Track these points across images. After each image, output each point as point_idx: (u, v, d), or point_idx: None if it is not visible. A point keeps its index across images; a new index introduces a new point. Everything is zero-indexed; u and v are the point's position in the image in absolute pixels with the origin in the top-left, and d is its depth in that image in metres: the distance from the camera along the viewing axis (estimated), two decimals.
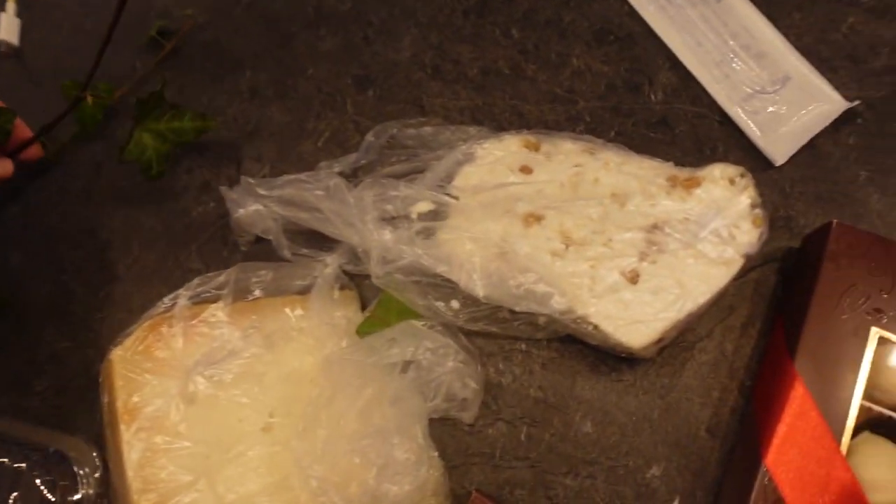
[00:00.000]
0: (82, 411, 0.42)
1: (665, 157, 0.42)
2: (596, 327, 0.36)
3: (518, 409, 0.40)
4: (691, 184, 0.36)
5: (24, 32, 0.53)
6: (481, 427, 0.40)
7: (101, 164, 0.49)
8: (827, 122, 0.42)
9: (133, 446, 0.37)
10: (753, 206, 0.35)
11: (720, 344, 0.39)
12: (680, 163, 0.42)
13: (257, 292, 0.42)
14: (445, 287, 0.40)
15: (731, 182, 0.36)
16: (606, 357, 0.40)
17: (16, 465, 0.41)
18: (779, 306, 0.39)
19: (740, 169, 0.37)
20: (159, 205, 0.47)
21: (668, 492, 0.38)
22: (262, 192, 0.42)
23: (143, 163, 0.45)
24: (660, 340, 0.36)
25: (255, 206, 0.42)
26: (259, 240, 0.44)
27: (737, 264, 0.35)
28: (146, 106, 0.44)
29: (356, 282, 0.43)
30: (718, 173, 0.37)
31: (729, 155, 0.42)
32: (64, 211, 0.48)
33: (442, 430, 0.40)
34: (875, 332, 0.35)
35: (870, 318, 0.35)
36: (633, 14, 0.46)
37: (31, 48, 0.53)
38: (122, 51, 0.50)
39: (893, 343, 0.35)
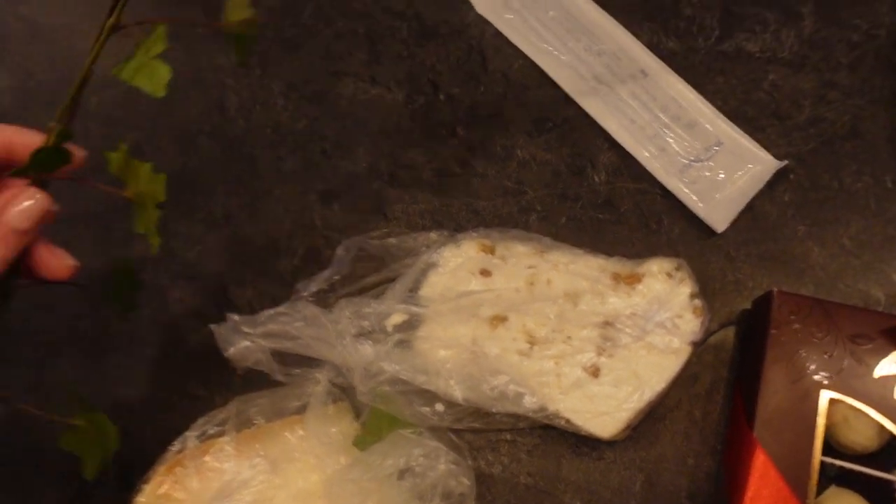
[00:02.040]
0: None
1: (613, 236, 0.45)
2: (568, 421, 0.39)
3: (511, 498, 0.43)
4: (633, 280, 0.39)
5: None
6: None
7: None
8: (762, 184, 0.44)
9: None
10: (692, 296, 0.38)
11: (689, 412, 0.42)
12: (628, 240, 0.45)
13: (258, 420, 0.46)
14: (428, 392, 0.43)
15: (669, 275, 0.39)
16: (586, 438, 0.43)
17: None
18: (737, 372, 0.42)
19: (676, 262, 0.39)
20: (158, 335, 0.50)
21: None
22: (247, 329, 0.45)
23: None
24: (627, 427, 0.39)
25: (243, 342, 0.45)
26: None
27: (685, 352, 0.38)
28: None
29: (348, 392, 0.47)
30: (656, 268, 0.39)
31: (674, 227, 0.45)
32: None
33: None
34: (825, 395, 0.37)
35: (818, 379, 0.38)
36: (568, 99, 0.49)
37: None
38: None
39: (843, 402, 0.37)
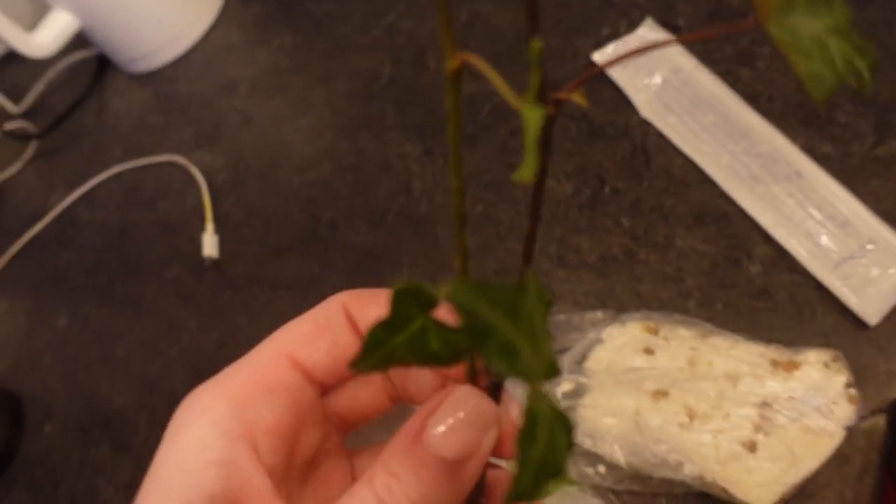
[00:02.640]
0: None
1: (768, 323, 0.49)
2: (724, 490, 0.43)
3: None
4: (791, 367, 0.43)
5: (220, 246, 0.67)
6: None
7: None
8: None
9: None
10: (848, 385, 0.42)
11: (839, 492, 0.45)
12: (782, 327, 0.49)
13: None
14: (591, 454, 0.49)
15: (826, 365, 0.43)
16: None
17: None
18: (889, 457, 0.45)
19: (833, 353, 0.43)
20: None
21: None
22: None
23: None
24: (780, 500, 0.42)
25: None
26: None
27: (839, 436, 0.41)
28: None
29: None
30: (814, 358, 0.43)
31: (827, 318, 0.49)
32: None
33: None
34: None
35: None
36: (725, 196, 0.54)
37: (229, 260, 0.66)
38: None
39: None
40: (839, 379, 0.42)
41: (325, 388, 0.25)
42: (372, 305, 0.24)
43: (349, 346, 0.24)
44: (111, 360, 0.66)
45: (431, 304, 0.19)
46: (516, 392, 0.46)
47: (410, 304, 0.19)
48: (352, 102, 0.71)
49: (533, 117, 0.16)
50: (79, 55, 0.85)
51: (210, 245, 0.66)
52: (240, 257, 0.66)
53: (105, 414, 0.63)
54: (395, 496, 0.19)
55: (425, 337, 0.19)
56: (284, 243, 0.65)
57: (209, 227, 0.67)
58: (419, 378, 0.26)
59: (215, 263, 0.66)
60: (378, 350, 0.19)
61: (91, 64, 0.84)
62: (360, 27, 0.74)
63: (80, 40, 0.82)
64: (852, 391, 0.42)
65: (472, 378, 0.22)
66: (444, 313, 0.20)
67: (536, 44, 0.16)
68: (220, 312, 0.64)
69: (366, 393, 0.27)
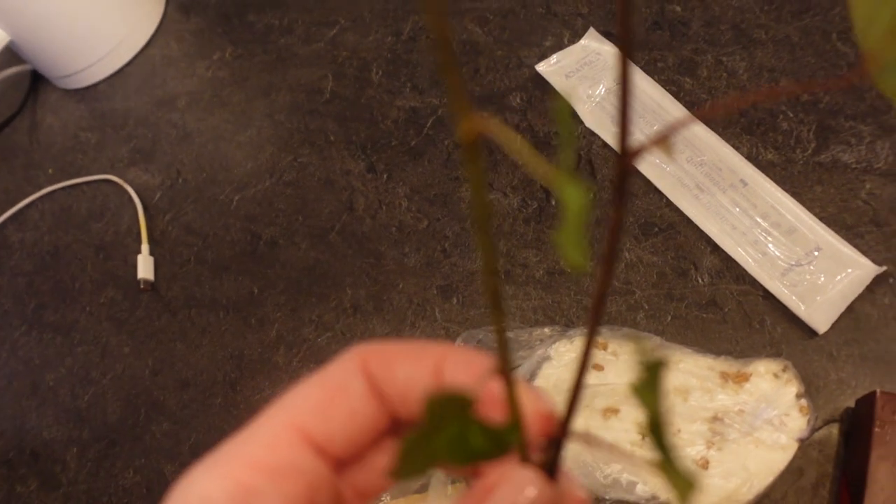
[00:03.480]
0: None
1: (718, 334, 0.48)
2: None
3: None
4: (741, 379, 0.42)
5: (156, 268, 0.64)
6: None
7: None
8: (862, 288, 0.47)
9: None
10: (799, 396, 0.41)
11: None
12: (731, 338, 0.48)
13: (383, 498, 0.50)
14: None
15: (776, 376, 0.42)
16: None
17: None
18: (843, 468, 0.44)
19: (783, 363, 0.42)
20: None
21: None
22: None
23: None
24: None
25: None
26: None
27: (792, 448, 0.40)
28: None
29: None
30: (763, 369, 0.42)
31: (776, 327, 0.48)
32: None
33: None
34: None
35: None
36: (671, 206, 0.53)
37: (164, 282, 0.64)
38: None
39: None
40: (789, 389, 0.41)
41: (341, 463, 0.22)
42: (398, 362, 0.21)
43: (369, 416, 0.21)
44: (39, 390, 0.62)
45: (469, 405, 0.17)
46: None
47: (446, 410, 0.17)
48: (293, 117, 0.69)
49: (575, 197, 0.13)
50: (10, 71, 0.82)
51: (145, 267, 0.64)
52: (176, 279, 0.63)
53: (32, 447, 0.60)
54: None
55: (467, 439, 0.18)
56: (223, 262, 0.63)
57: (144, 248, 0.64)
58: None
59: (151, 286, 0.64)
60: (415, 456, 0.17)
61: (23, 79, 0.81)
62: (302, 39, 0.72)
63: (11, 55, 0.79)
64: (803, 402, 0.41)
65: (523, 454, 0.20)
66: (487, 408, 0.19)
67: (565, 114, 0.14)
68: (156, 337, 0.61)
69: (383, 461, 0.23)
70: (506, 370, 0.19)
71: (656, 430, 0.16)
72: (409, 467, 0.17)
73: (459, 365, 0.21)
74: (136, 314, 0.63)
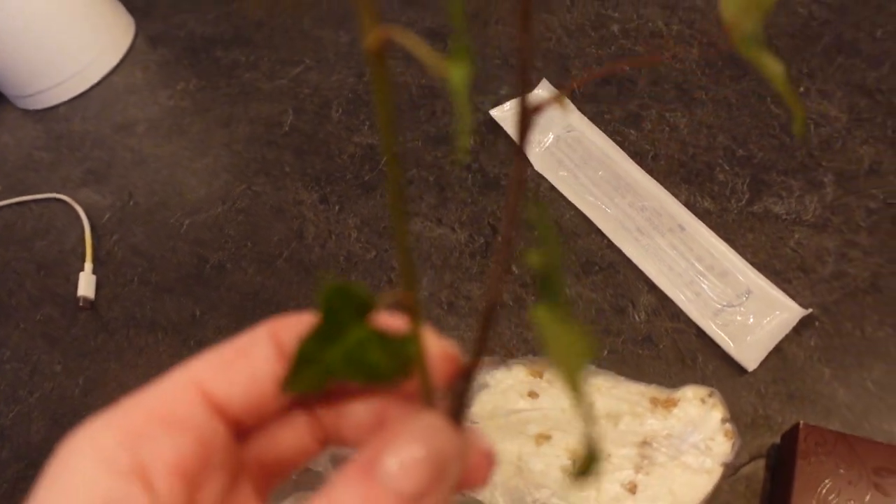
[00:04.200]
0: None
1: (652, 369, 0.49)
2: None
3: None
4: (669, 404, 0.43)
5: (99, 287, 0.63)
6: None
7: None
8: (789, 329, 0.49)
9: None
10: (724, 420, 0.42)
11: None
12: (665, 373, 0.49)
13: None
14: (473, 500, 0.46)
15: (703, 401, 0.43)
16: None
17: None
18: (769, 502, 0.44)
19: (709, 389, 0.43)
20: None
21: None
22: None
23: None
24: None
25: None
26: None
27: (717, 472, 0.41)
28: None
29: None
30: (691, 394, 0.43)
31: (708, 364, 0.49)
32: None
33: None
34: None
35: None
36: (612, 246, 0.55)
37: (106, 302, 0.63)
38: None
39: None
40: (715, 414, 0.42)
41: (242, 430, 0.21)
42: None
43: (272, 381, 0.20)
44: None
45: (369, 308, 0.17)
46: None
47: (344, 310, 0.16)
48: (251, 147, 0.70)
49: (458, 74, 0.14)
50: None
51: (86, 285, 0.63)
52: (118, 298, 0.62)
53: None
54: None
55: (365, 349, 0.17)
56: (166, 284, 0.62)
57: (87, 266, 0.64)
58: (353, 414, 0.22)
59: (91, 305, 0.62)
60: (310, 366, 0.17)
61: None
62: (266, 75, 0.74)
63: None
64: (728, 426, 0.42)
65: (427, 398, 0.19)
66: (387, 320, 0.18)
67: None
68: (90, 356, 0.60)
69: (289, 434, 0.22)
70: (411, 287, 0.18)
71: (551, 273, 0.16)
72: (303, 379, 0.17)
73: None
74: (71, 332, 0.62)
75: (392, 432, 0.18)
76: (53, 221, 0.69)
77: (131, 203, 0.68)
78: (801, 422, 0.42)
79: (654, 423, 0.42)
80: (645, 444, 0.42)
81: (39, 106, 0.77)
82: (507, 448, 0.46)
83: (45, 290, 0.65)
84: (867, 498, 0.40)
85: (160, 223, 0.66)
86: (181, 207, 0.67)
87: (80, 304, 0.62)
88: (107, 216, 0.68)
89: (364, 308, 0.17)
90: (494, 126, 0.64)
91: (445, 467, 0.18)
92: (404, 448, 0.18)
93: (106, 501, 0.17)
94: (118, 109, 0.76)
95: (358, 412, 0.21)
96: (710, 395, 0.43)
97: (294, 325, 0.21)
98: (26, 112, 0.79)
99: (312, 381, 0.17)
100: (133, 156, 0.71)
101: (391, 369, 0.18)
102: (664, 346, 0.50)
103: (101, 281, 0.64)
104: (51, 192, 0.70)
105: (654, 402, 0.43)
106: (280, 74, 0.74)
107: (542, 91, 0.64)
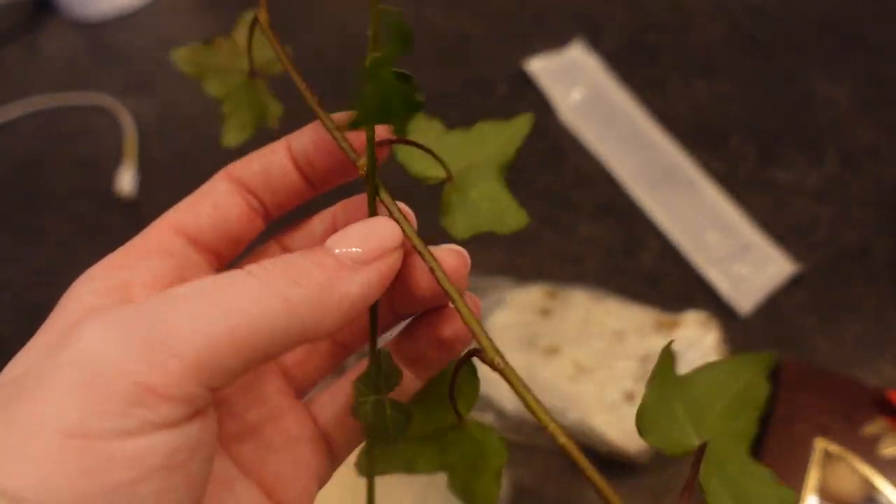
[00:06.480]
0: None
1: (654, 307, 0.54)
2: (603, 435, 0.46)
3: None
4: (672, 325, 0.48)
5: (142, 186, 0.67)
6: None
7: None
8: (781, 281, 0.53)
9: None
10: (718, 342, 0.46)
11: None
12: (666, 310, 0.54)
13: None
14: (483, 399, 0.51)
15: (702, 324, 0.47)
16: (612, 466, 0.49)
17: None
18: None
19: (708, 314, 0.48)
20: None
21: None
22: None
23: None
24: (652, 449, 0.45)
25: None
26: None
27: None
28: None
29: None
30: (692, 318, 0.48)
31: (707, 306, 0.54)
32: None
33: None
34: (820, 443, 0.45)
35: (817, 432, 0.45)
36: (626, 195, 0.59)
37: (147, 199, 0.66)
38: None
39: (834, 454, 0.44)
40: (712, 335, 0.47)
41: (218, 256, 0.25)
42: (254, 159, 0.24)
43: (235, 209, 0.24)
44: None
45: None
46: None
47: None
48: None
49: None
50: None
51: (127, 181, 0.66)
52: (157, 196, 0.66)
53: None
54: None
55: None
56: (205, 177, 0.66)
57: (129, 162, 0.67)
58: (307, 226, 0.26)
59: (133, 201, 0.66)
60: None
61: (27, 6, 0.84)
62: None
63: None
64: (723, 346, 0.46)
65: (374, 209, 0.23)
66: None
67: None
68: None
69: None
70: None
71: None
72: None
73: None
74: (110, 224, 0.65)
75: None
76: (98, 125, 0.72)
77: (173, 112, 0.71)
78: (785, 355, 0.47)
79: (656, 341, 0.47)
80: (646, 358, 0.47)
81: (87, 17, 0.80)
82: (518, 357, 0.51)
83: (83, 186, 0.68)
84: (838, 422, 0.45)
85: (201, 134, 0.69)
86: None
87: (120, 199, 0.66)
88: (150, 121, 0.71)
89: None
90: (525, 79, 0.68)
91: (383, 238, 0.21)
92: (350, 230, 0.22)
93: (88, 311, 0.21)
94: (162, 26, 0.79)
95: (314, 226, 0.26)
96: (709, 319, 0.48)
97: (246, 164, 0.25)
98: (73, 23, 0.81)
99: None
100: (177, 69, 0.75)
101: None
102: (666, 287, 0.55)
103: (143, 180, 0.67)
104: (96, 97, 0.74)
105: (659, 323, 0.48)
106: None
107: (576, 51, 0.68)
